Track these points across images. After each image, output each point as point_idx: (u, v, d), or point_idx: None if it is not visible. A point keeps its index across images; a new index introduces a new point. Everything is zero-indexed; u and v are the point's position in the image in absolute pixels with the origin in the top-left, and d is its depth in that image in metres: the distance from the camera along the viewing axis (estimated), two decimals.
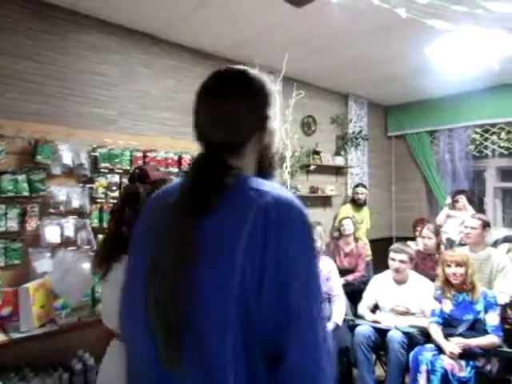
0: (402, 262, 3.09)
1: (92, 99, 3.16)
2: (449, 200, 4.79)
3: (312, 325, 0.75)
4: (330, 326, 3.00)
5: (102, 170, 3.08)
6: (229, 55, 3.99)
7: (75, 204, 2.89)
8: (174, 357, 0.75)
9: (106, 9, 3.03)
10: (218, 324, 0.72)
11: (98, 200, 3.06)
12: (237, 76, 0.89)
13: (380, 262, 3.68)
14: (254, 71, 0.90)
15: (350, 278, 3.97)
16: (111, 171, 3.13)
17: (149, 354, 0.79)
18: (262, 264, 0.73)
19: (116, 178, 3.15)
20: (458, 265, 2.79)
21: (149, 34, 3.47)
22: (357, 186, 5.12)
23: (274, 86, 0.92)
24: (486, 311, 2.70)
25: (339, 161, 5.27)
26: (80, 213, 2.96)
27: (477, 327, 2.68)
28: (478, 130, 5.22)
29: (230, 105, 0.85)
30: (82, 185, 2.98)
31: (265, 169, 0.91)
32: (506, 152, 5.07)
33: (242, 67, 0.91)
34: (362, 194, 4.99)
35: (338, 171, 5.38)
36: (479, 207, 5.18)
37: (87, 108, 3.13)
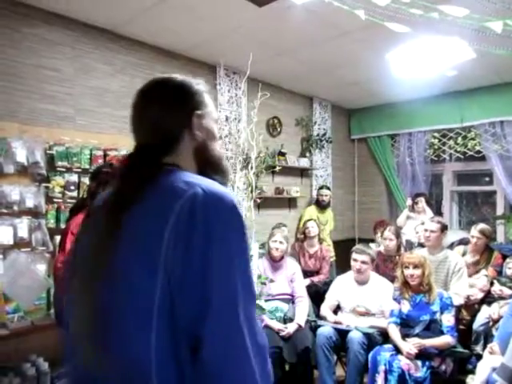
0: (363, 262, 3.15)
1: (45, 95, 3.01)
2: (409, 202, 4.94)
3: (232, 320, 0.73)
4: (292, 327, 3.02)
5: (59, 169, 2.95)
6: (192, 54, 3.94)
7: (29, 204, 2.77)
8: (94, 356, 0.76)
9: (61, 3, 2.89)
10: (141, 319, 0.73)
11: (55, 200, 2.94)
12: (154, 84, 0.94)
13: (343, 263, 3.74)
14: (176, 77, 0.95)
15: (315, 279, 4.02)
16: (69, 170, 3.02)
17: (76, 354, 0.82)
18: (188, 257, 0.72)
19: (74, 178, 3.03)
20: (416, 266, 2.86)
21: (107, 29, 3.35)
22: (321, 187, 5.18)
23: (203, 87, 0.96)
24: (441, 312, 2.79)
25: (304, 162, 5.32)
26: (35, 213, 2.83)
27: (433, 328, 2.77)
28: (436, 134, 5.40)
29: (149, 110, 0.90)
30: (37, 184, 2.85)
31: (208, 166, 0.93)
32: (462, 156, 5.28)
33: (163, 76, 0.95)
34: (325, 195, 5.06)
35: (303, 173, 5.43)
36: (437, 210, 5.35)
37: (41, 104, 2.98)
